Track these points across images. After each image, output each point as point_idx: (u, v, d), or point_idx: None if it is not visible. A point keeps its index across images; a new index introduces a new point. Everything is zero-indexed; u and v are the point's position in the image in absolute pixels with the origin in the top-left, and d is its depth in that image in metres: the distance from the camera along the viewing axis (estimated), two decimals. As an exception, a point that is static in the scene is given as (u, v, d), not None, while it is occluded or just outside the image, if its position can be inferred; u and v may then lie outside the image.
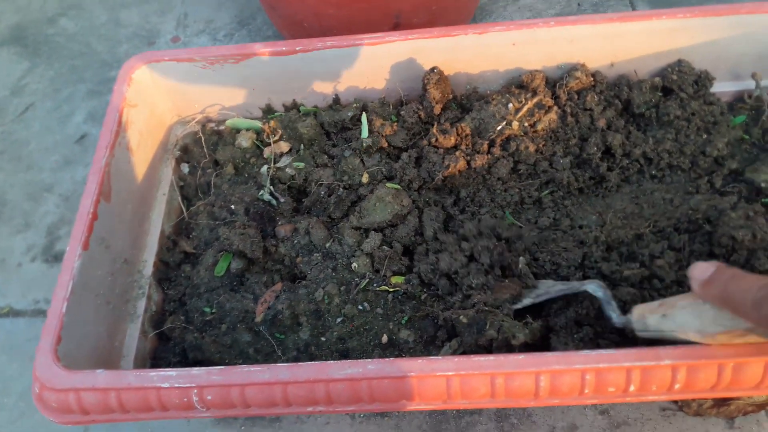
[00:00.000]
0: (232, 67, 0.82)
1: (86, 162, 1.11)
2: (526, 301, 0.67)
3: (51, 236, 1.03)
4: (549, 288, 0.67)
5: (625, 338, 0.64)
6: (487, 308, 0.63)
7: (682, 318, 0.55)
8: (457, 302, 0.67)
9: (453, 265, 0.69)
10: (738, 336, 0.53)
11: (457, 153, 0.77)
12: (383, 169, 0.79)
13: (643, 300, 0.64)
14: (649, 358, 0.55)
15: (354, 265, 0.72)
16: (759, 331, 0.52)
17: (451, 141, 0.78)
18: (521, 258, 0.69)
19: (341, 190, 0.79)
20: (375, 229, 0.75)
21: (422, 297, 0.71)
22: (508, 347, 0.61)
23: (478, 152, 0.77)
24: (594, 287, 0.63)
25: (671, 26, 0.79)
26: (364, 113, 0.83)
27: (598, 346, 0.63)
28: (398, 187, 0.77)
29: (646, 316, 0.58)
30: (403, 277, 0.72)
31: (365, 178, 0.79)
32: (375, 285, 0.71)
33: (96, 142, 1.13)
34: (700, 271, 0.53)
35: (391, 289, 0.71)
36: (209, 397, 0.58)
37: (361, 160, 0.81)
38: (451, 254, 0.70)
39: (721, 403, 0.73)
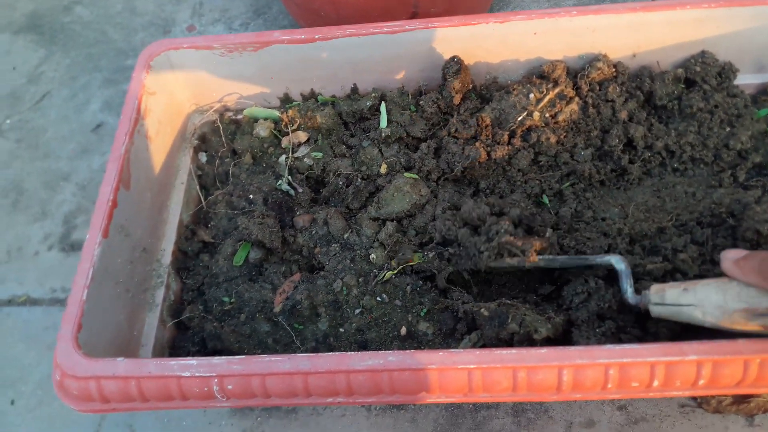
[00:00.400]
0: (251, 56, 0.82)
1: (102, 151, 1.11)
2: (548, 257, 0.67)
3: (68, 225, 1.03)
4: (570, 258, 0.67)
5: (647, 333, 0.63)
6: (512, 248, 0.64)
7: (703, 292, 0.55)
8: (480, 243, 0.66)
9: (477, 212, 0.68)
10: (757, 316, 0.52)
11: (477, 144, 0.76)
12: (402, 160, 0.79)
13: None
14: (674, 353, 0.54)
15: (372, 256, 0.72)
16: None
17: (471, 132, 0.77)
18: (549, 229, 0.69)
19: (359, 180, 0.78)
20: (393, 219, 0.75)
21: (429, 254, 0.70)
22: (529, 341, 0.61)
23: (498, 143, 0.76)
24: (617, 259, 0.63)
25: (695, 16, 0.78)
26: (383, 103, 0.82)
27: (619, 341, 0.62)
28: (416, 176, 0.77)
29: (666, 290, 0.58)
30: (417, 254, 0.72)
31: (383, 169, 0.78)
32: (384, 271, 0.71)
33: (112, 131, 1.14)
34: (735, 252, 0.54)
35: (397, 269, 0.70)
36: (230, 387, 0.57)
37: (380, 150, 0.80)
38: (476, 203, 0.69)
39: (741, 400, 0.72)
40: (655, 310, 0.59)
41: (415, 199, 0.74)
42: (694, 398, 0.76)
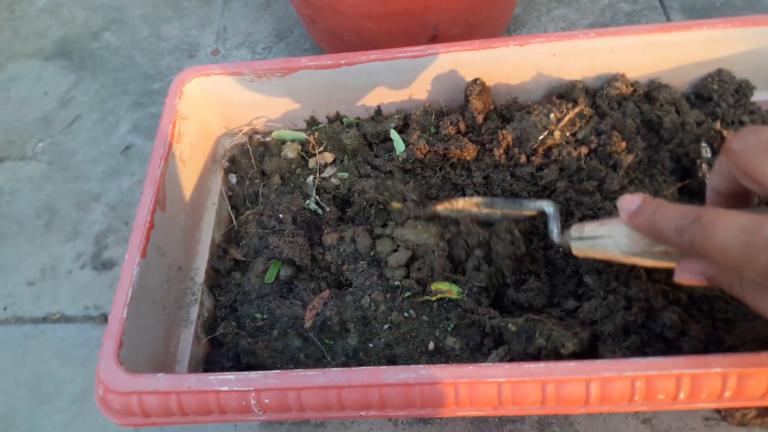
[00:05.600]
0: (279, 81, 0.85)
1: (131, 172, 1.14)
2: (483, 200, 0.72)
3: (99, 244, 1.06)
4: (505, 201, 0.72)
5: (671, 347, 0.65)
6: (535, 318, 0.65)
7: (616, 223, 0.58)
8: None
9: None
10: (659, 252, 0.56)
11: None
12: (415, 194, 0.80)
13: None
14: (699, 366, 0.56)
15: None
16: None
17: (468, 149, 0.80)
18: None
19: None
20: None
21: (466, 290, 0.72)
22: (556, 356, 0.62)
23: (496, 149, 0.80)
24: (547, 204, 0.68)
25: (711, 36, 0.80)
26: (392, 130, 0.84)
27: (644, 354, 0.64)
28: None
29: (585, 226, 0.61)
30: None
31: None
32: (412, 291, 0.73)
33: (140, 153, 1.17)
34: (628, 202, 0.56)
35: (434, 298, 0.72)
36: (266, 401, 0.59)
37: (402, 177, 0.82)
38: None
39: (765, 412, 0.73)
40: (575, 245, 0.62)
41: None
42: (719, 411, 0.77)
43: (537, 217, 0.75)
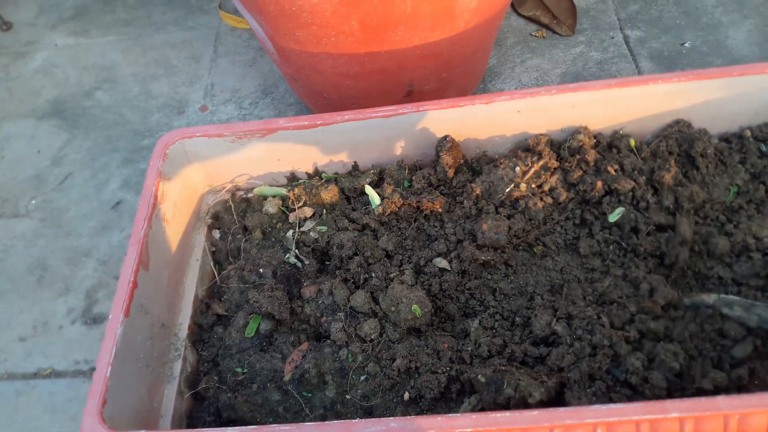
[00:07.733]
0: (259, 141, 0.88)
1: (122, 227, 1.18)
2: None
3: (90, 299, 1.09)
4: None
5: (636, 392, 0.67)
6: (503, 368, 0.67)
7: None
8: None
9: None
10: None
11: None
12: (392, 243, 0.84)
13: None
14: (657, 411, 0.58)
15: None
16: None
17: (439, 201, 0.83)
18: None
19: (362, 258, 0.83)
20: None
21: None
22: (525, 405, 0.64)
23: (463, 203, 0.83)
24: None
25: (668, 89, 0.84)
26: (367, 186, 0.88)
27: (610, 400, 0.66)
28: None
29: None
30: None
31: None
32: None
33: (131, 208, 1.21)
34: None
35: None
36: (243, 456, 0.62)
37: (374, 234, 0.85)
38: None
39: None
40: None
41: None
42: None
43: None
